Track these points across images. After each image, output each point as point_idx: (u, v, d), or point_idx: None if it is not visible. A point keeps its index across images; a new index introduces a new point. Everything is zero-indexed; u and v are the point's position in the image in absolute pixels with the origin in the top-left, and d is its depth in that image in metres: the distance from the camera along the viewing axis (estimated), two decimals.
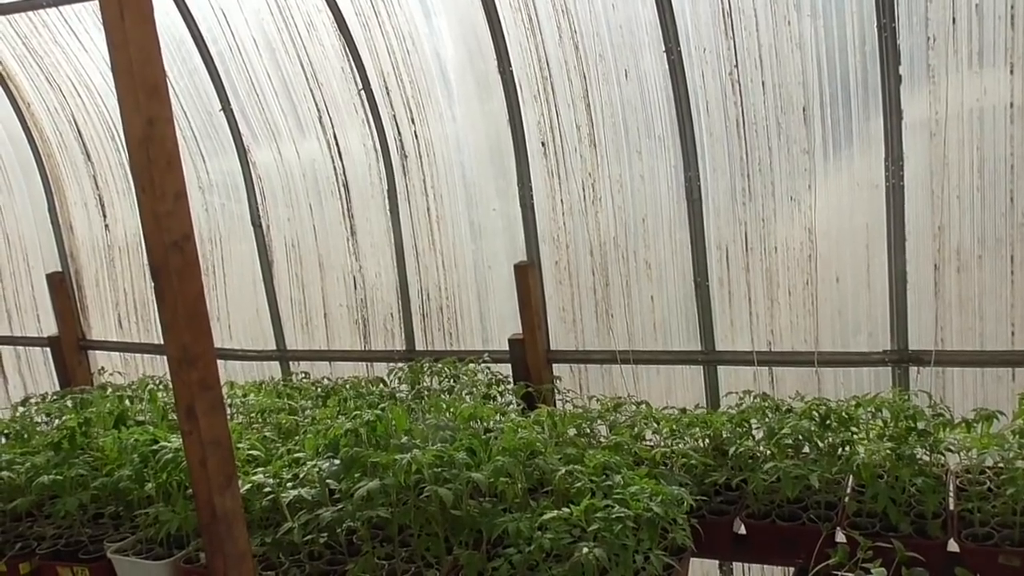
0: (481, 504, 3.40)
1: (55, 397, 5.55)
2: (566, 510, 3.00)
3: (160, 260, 2.40)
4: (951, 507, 3.43)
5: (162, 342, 7.15)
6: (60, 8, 6.13)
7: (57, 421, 5.06)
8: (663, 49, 4.65)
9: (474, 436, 3.54)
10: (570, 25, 4.85)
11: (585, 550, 2.83)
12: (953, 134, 4.18)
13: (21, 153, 7.22)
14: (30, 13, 6.23)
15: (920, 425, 3.59)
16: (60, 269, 7.34)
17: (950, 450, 3.56)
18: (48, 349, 7.56)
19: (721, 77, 4.59)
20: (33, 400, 5.50)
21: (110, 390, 5.55)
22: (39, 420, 5.17)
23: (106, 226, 7.05)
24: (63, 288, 7.31)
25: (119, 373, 6.98)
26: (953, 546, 3.23)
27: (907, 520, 3.29)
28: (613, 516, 2.91)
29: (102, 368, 7.15)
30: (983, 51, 4.04)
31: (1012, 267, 4.17)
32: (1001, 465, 3.39)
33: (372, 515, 3.20)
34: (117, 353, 7.33)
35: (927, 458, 3.52)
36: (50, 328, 7.51)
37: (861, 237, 4.46)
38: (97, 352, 7.46)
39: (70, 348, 7.35)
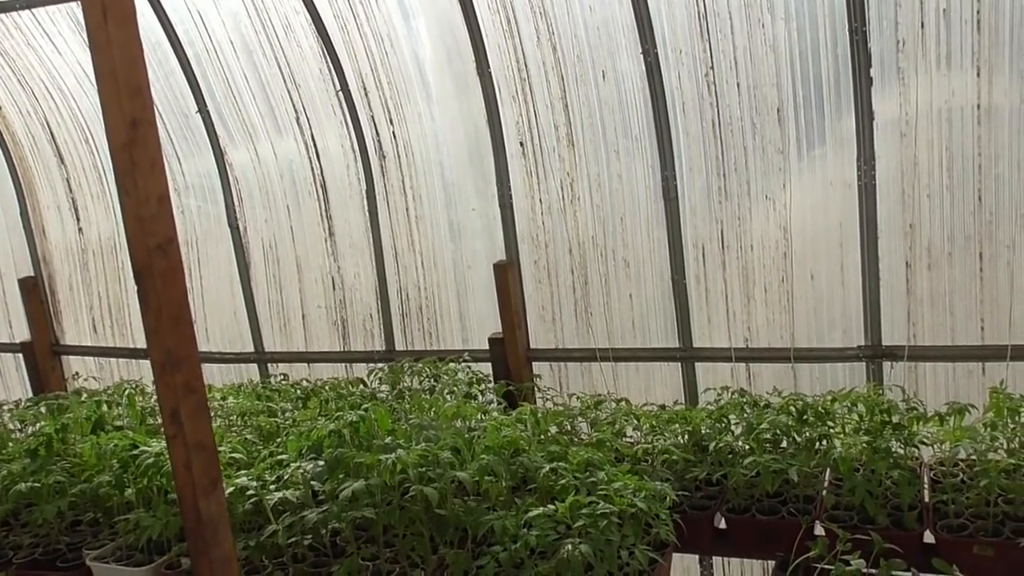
0: (466, 503, 3.41)
1: (28, 403, 5.47)
2: (551, 507, 3.03)
3: (144, 263, 2.38)
4: (926, 499, 3.50)
5: (137, 345, 7.09)
6: (33, 11, 6.06)
7: (32, 428, 4.99)
8: (640, 51, 4.70)
9: (458, 435, 3.55)
10: (548, 27, 4.89)
11: (570, 546, 2.85)
12: (923, 134, 4.27)
13: None
14: (2, 15, 6.13)
15: (895, 419, 3.67)
16: (32, 274, 7.23)
17: (924, 443, 3.64)
18: (20, 355, 7.44)
19: (697, 78, 4.65)
20: (6, 407, 5.42)
21: (85, 395, 5.48)
22: (12, 427, 5.10)
23: (80, 229, 6.96)
24: (35, 293, 7.21)
25: (94, 378, 6.90)
26: (929, 537, 3.30)
27: (884, 512, 3.36)
28: (598, 512, 2.94)
29: (76, 373, 7.06)
30: (951, 54, 4.13)
31: (981, 264, 4.27)
32: (974, 457, 3.46)
33: (357, 516, 3.20)
34: (91, 358, 7.24)
35: (902, 451, 3.59)
36: (22, 334, 7.39)
37: (835, 235, 4.54)
38: (71, 357, 7.36)
39: (43, 353, 7.25)
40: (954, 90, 4.17)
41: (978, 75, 4.11)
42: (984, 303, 4.29)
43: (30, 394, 7.06)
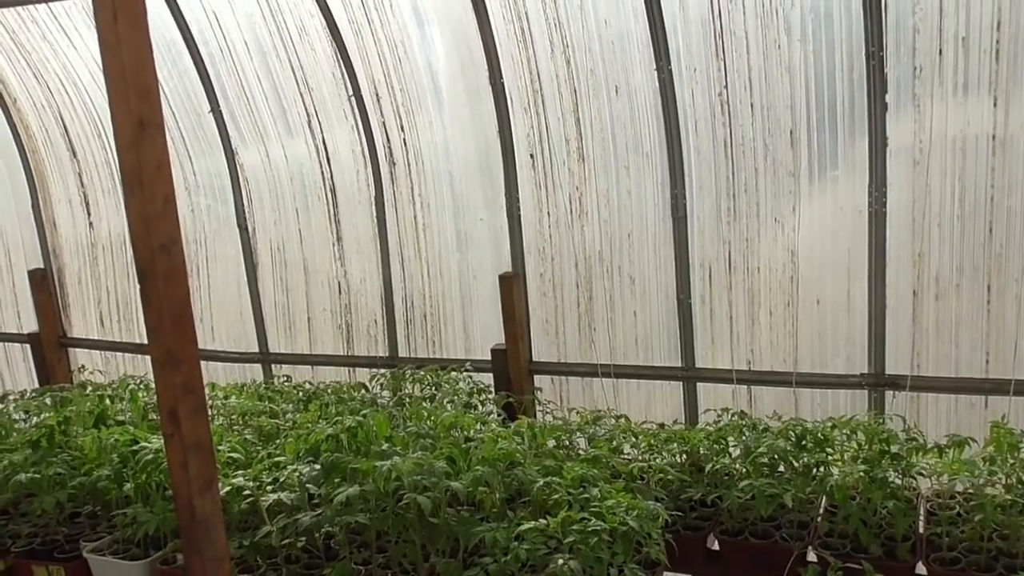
0: (459, 513, 3.41)
1: (34, 395, 5.51)
2: (543, 521, 3.03)
3: (147, 263, 2.40)
4: (921, 531, 3.48)
5: (144, 341, 7.08)
6: (50, 4, 6.10)
7: (36, 419, 5.02)
8: (654, 67, 4.70)
9: (454, 445, 3.57)
10: (562, 39, 4.89)
11: (560, 562, 2.85)
12: (936, 163, 4.24)
13: (5, 148, 7.17)
14: (19, 8, 6.19)
15: (894, 449, 3.64)
16: (42, 266, 7.29)
17: (922, 474, 3.61)
18: (28, 346, 7.49)
19: (710, 97, 4.65)
20: (11, 397, 5.46)
21: (90, 388, 5.51)
22: (17, 418, 5.13)
23: (90, 224, 7.01)
24: (45, 285, 7.26)
25: (100, 371, 6.94)
26: (921, 569, 3.27)
27: (877, 542, 3.34)
28: (589, 529, 2.94)
29: (82, 366, 7.10)
30: (968, 83, 4.11)
31: (988, 296, 4.24)
32: (971, 491, 3.43)
33: (351, 520, 3.21)
34: (98, 351, 7.29)
35: (899, 481, 3.57)
36: (30, 325, 7.45)
37: (843, 261, 4.52)
38: (78, 350, 7.41)
39: (50, 345, 7.30)
40: (970, 119, 4.15)
41: (995, 105, 4.08)
42: (990, 336, 4.26)
43: (36, 385, 7.11)
